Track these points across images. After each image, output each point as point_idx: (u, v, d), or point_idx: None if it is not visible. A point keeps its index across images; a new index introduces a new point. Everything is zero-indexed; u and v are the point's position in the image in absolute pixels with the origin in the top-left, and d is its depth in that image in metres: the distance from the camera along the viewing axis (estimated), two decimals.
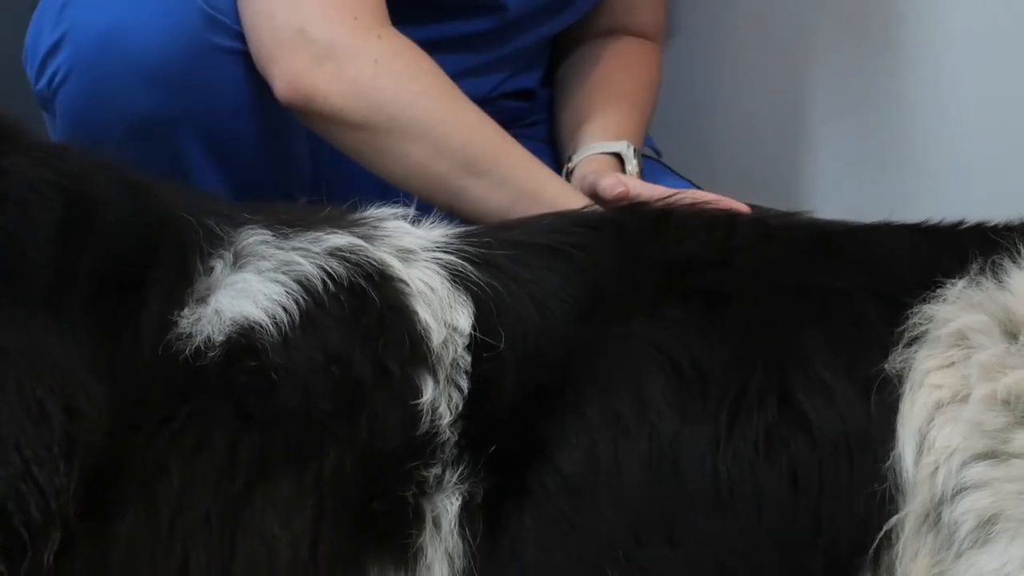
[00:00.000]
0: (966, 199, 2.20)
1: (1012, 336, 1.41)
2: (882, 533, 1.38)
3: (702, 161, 2.38)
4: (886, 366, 1.42)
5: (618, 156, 1.95)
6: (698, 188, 2.11)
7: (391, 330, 1.46)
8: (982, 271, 1.45)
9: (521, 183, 1.76)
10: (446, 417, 1.43)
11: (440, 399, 1.44)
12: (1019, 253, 1.45)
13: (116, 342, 1.41)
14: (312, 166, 1.92)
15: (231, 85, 1.80)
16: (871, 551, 1.38)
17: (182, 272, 1.46)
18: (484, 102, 1.91)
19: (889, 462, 1.39)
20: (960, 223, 1.59)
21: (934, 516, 1.36)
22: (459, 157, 1.75)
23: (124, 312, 1.43)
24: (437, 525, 1.42)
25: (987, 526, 1.34)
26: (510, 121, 1.96)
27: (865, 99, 2.36)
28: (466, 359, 1.46)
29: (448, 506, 1.42)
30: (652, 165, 2.13)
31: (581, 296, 1.49)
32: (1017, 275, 1.44)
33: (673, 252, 1.52)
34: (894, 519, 1.37)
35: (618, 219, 1.57)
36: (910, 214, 1.64)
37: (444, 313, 1.47)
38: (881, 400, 1.41)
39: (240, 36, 1.78)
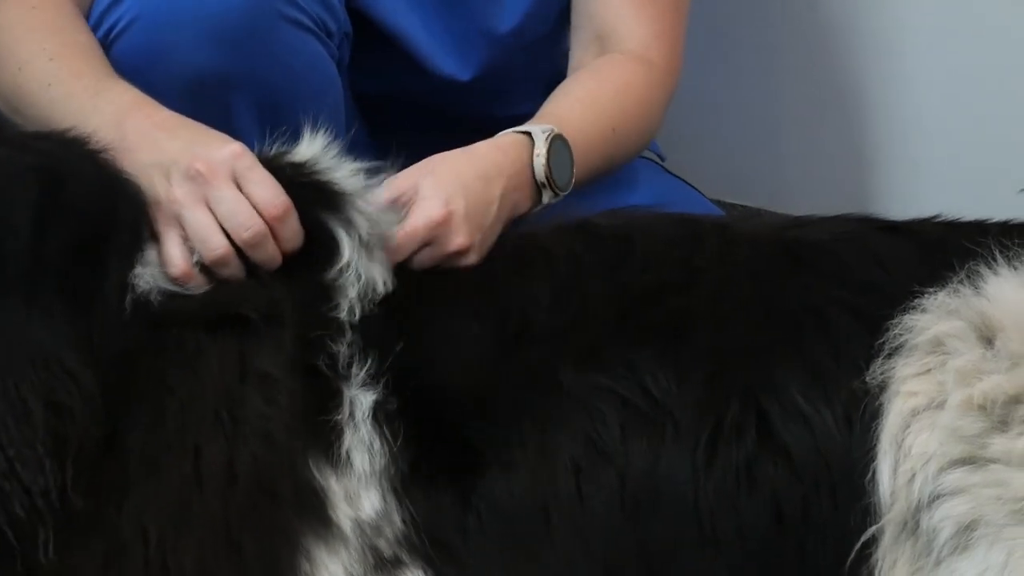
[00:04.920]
0: (955, 196, 2.21)
1: (988, 341, 1.41)
2: (859, 543, 1.37)
3: (702, 164, 2.39)
4: (865, 381, 1.42)
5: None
6: (698, 192, 2.11)
7: None
8: (960, 279, 1.44)
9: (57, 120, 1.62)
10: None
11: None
12: (995, 258, 1.45)
13: (90, 313, 1.42)
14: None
15: (290, 55, 1.78)
16: (848, 562, 1.38)
17: (136, 234, 1.48)
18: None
19: (869, 475, 1.38)
20: (935, 218, 1.60)
21: (912, 524, 1.36)
22: (4, 96, 1.69)
23: (92, 282, 1.44)
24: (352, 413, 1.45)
25: (966, 532, 1.34)
26: None
27: (858, 101, 2.37)
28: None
29: (363, 400, 1.45)
30: (654, 169, 2.11)
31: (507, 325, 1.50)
32: (993, 281, 1.43)
33: (636, 281, 1.51)
34: (872, 529, 1.37)
35: (572, 247, 1.56)
36: (898, 211, 1.64)
37: None
38: (861, 417, 1.41)
39: (304, 9, 1.78)
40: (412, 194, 1.59)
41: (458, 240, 1.56)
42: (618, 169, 1.92)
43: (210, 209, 1.50)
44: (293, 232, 1.51)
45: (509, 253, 1.59)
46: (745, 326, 1.47)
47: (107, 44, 1.77)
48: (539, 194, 1.70)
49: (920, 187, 2.33)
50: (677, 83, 1.97)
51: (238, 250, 1.50)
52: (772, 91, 2.48)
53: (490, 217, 1.61)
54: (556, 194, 1.70)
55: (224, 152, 1.53)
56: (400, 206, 1.58)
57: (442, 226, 1.55)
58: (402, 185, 1.59)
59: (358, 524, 1.42)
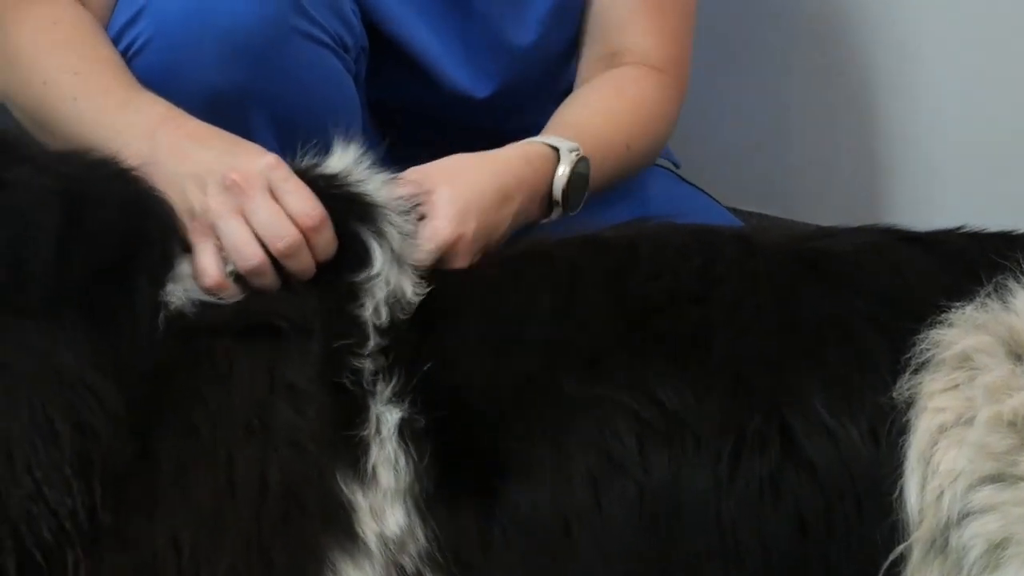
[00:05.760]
0: (974, 203, 2.21)
1: (1018, 357, 1.39)
2: (888, 562, 1.36)
3: (717, 172, 2.38)
4: (892, 396, 1.40)
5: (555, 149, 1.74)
6: (715, 200, 2.10)
7: None
8: (988, 293, 1.42)
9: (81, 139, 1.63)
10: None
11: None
12: (1023, 272, 1.43)
13: (116, 332, 1.42)
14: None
15: (306, 69, 1.78)
16: None
17: (165, 252, 1.49)
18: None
19: (896, 492, 1.37)
20: (959, 229, 1.59)
21: (941, 541, 1.34)
22: (29, 113, 1.71)
23: (117, 301, 1.43)
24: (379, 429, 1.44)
25: (997, 551, 1.32)
26: None
27: (875, 107, 2.37)
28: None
29: (389, 416, 1.44)
30: (668, 177, 2.10)
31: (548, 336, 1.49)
32: (1022, 295, 1.42)
33: (644, 290, 1.50)
34: (900, 547, 1.36)
35: (571, 256, 1.55)
36: (915, 220, 1.63)
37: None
38: (888, 433, 1.39)
39: (320, 24, 1.78)
40: (428, 197, 1.58)
41: (459, 262, 1.57)
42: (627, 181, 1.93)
43: (246, 220, 1.50)
44: (328, 242, 1.51)
45: (538, 269, 1.57)
46: (765, 337, 1.46)
47: (126, 63, 1.77)
48: (550, 209, 1.71)
49: (938, 194, 2.33)
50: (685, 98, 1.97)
51: (273, 260, 1.50)
52: (788, 97, 2.48)
53: (495, 238, 1.62)
54: (565, 213, 1.71)
55: (260, 163, 1.53)
56: (415, 202, 1.58)
57: (450, 249, 1.57)
58: (421, 182, 1.59)
59: (383, 540, 1.41)
